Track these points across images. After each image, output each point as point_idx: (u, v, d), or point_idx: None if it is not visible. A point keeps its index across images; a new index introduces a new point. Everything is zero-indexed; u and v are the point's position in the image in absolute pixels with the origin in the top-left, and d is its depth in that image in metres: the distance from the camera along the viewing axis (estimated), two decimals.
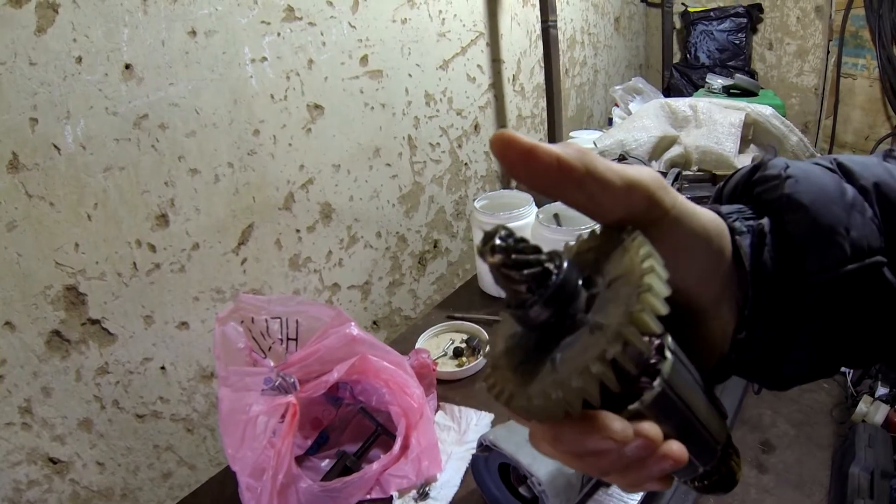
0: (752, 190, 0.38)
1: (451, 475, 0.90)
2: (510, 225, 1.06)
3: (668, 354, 0.29)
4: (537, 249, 0.27)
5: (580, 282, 0.28)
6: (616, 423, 0.27)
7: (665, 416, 0.29)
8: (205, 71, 0.98)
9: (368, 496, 0.86)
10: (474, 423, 0.98)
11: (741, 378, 0.38)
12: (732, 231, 0.35)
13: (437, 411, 1.02)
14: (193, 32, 0.95)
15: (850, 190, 0.35)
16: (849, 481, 1.47)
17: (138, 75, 0.90)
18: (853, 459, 1.52)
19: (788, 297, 0.34)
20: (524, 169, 0.29)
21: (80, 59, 0.83)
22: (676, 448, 0.29)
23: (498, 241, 0.26)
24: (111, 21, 0.85)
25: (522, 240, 0.27)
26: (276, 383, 0.76)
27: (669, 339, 0.30)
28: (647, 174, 0.31)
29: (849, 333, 0.35)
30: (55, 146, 0.82)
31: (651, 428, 0.28)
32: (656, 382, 0.28)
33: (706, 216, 0.33)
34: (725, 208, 0.36)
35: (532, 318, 0.27)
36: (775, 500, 1.60)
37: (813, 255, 0.34)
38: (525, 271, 0.26)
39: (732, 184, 0.40)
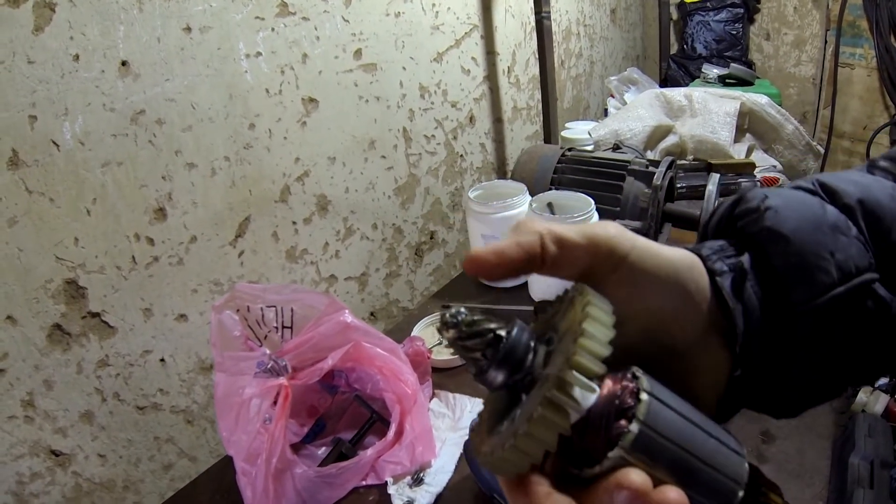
0: (735, 223, 0.38)
1: (445, 461, 0.91)
2: (504, 215, 1.07)
3: (644, 396, 0.29)
4: (490, 320, 0.30)
5: (533, 342, 0.30)
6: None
7: (654, 460, 0.29)
8: (200, 66, 0.99)
9: (364, 482, 0.88)
10: (468, 410, 1.00)
11: (749, 410, 0.37)
12: (713, 273, 0.35)
13: (431, 399, 1.03)
14: (188, 29, 0.97)
15: (832, 211, 0.35)
16: (849, 471, 1.47)
17: (135, 72, 0.91)
18: (853, 449, 1.51)
19: (779, 330, 0.34)
20: (502, 273, 0.32)
21: (77, 57, 0.84)
22: (673, 495, 0.28)
23: (449, 318, 0.30)
24: (107, 19, 0.87)
25: (476, 314, 0.30)
26: (269, 366, 0.77)
27: (645, 381, 0.30)
28: (601, 225, 0.33)
29: (847, 355, 0.35)
30: (54, 143, 0.83)
31: (636, 476, 0.28)
32: (633, 425, 0.28)
33: (671, 252, 0.34)
34: (707, 248, 0.36)
35: (491, 381, 0.30)
36: None
37: (798, 285, 0.33)
38: (477, 340, 0.30)
39: (716, 218, 0.40)
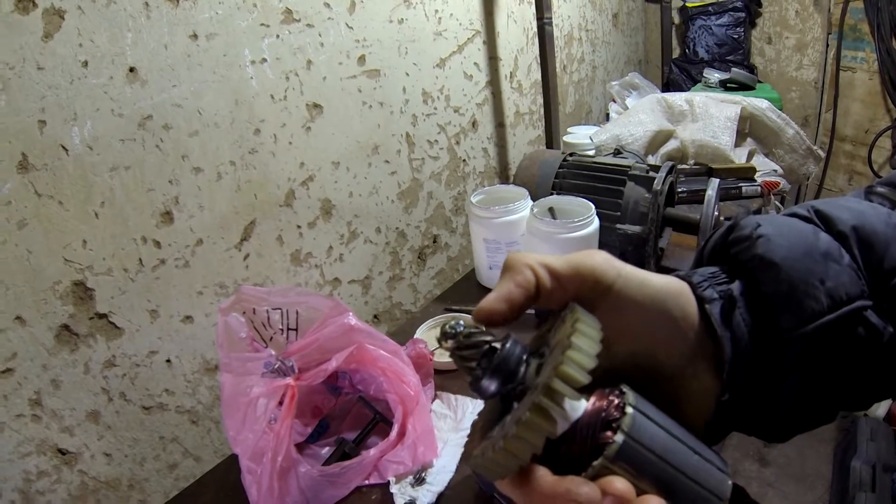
0: (729, 250, 0.38)
1: (446, 461, 0.92)
2: (506, 220, 1.08)
3: (630, 410, 0.31)
4: (486, 334, 0.33)
5: (525, 355, 0.33)
6: (583, 488, 0.28)
7: (638, 471, 0.31)
8: (206, 73, 1.01)
9: (367, 482, 0.89)
10: (470, 411, 1.01)
11: (740, 433, 0.38)
12: (702, 300, 0.35)
13: (434, 400, 1.04)
14: (195, 36, 0.98)
15: (825, 239, 0.35)
16: (850, 475, 1.47)
17: (142, 78, 0.92)
18: (855, 453, 1.51)
19: (767, 356, 0.34)
20: (514, 316, 0.34)
21: (86, 63, 0.86)
22: (656, 503, 0.29)
23: (448, 329, 0.33)
24: (115, 26, 0.88)
25: (474, 327, 0.33)
26: (276, 366, 0.79)
27: (631, 396, 0.32)
28: (588, 255, 0.35)
29: (837, 381, 0.35)
30: (63, 147, 0.85)
31: (620, 483, 0.29)
32: (617, 436, 0.30)
33: (658, 280, 0.35)
34: (698, 275, 0.37)
35: (485, 389, 0.33)
36: (777, 493, 1.60)
37: (786, 312, 0.34)
38: (473, 350, 0.32)
39: (711, 245, 0.41)
